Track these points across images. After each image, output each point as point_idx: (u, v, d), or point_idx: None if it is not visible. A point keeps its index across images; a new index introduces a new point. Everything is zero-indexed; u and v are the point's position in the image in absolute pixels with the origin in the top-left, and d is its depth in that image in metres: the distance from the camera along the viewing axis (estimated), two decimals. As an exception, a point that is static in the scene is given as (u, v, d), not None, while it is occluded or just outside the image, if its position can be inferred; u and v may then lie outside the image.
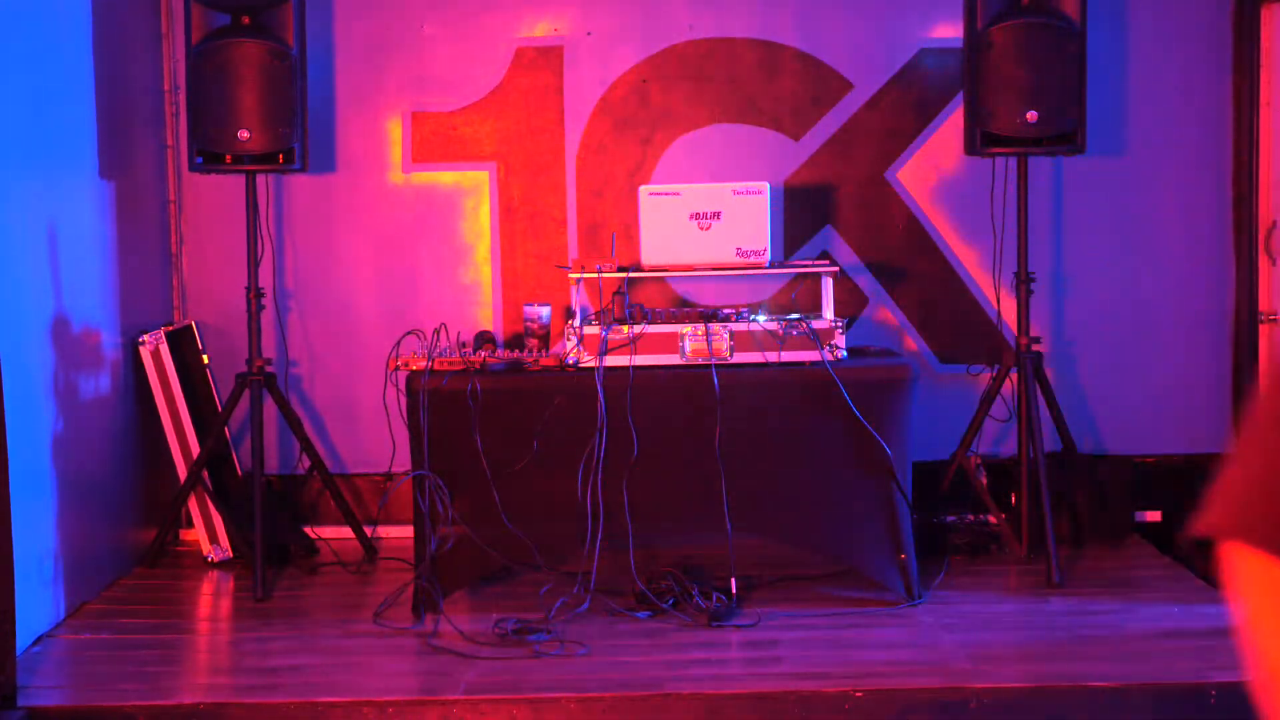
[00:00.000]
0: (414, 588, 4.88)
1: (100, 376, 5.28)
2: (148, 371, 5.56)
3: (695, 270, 5.02)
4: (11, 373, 4.27)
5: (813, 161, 5.91)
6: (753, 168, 5.85)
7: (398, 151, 5.95)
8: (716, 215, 4.95)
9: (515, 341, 5.86)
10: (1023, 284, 5.38)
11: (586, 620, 4.77)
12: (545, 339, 5.24)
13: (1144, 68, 5.86)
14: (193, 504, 5.59)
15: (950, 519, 5.59)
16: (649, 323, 4.92)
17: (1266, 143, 5.74)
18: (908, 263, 5.94)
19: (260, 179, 5.62)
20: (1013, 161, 5.47)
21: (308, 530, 5.80)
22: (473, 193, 5.96)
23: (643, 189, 4.99)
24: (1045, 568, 5.10)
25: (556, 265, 5.90)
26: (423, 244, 5.97)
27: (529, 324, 5.23)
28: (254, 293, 5.39)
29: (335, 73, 5.92)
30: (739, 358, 4.90)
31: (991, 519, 5.55)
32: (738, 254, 4.96)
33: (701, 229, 4.95)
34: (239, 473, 5.86)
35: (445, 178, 5.96)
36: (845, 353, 4.92)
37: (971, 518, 5.61)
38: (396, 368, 4.89)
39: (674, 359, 4.90)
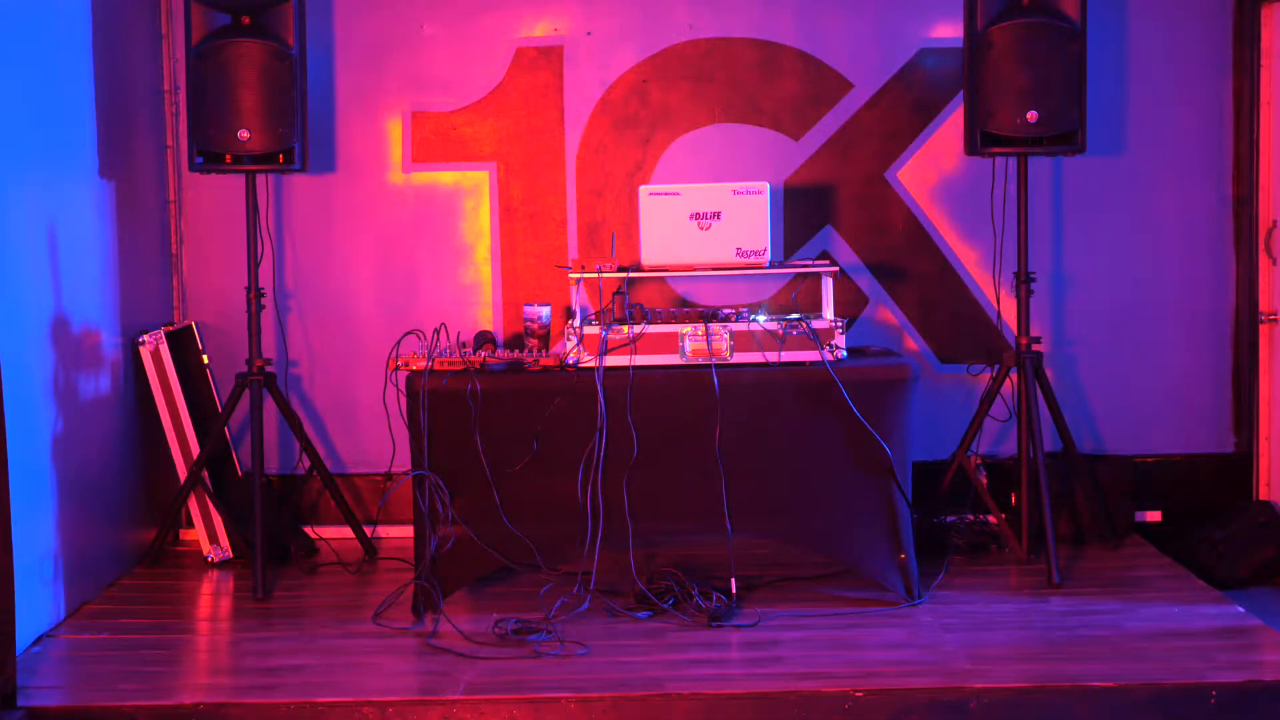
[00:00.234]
0: (414, 588, 4.88)
1: (100, 376, 5.28)
2: (148, 371, 5.56)
3: (695, 270, 5.03)
4: (11, 373, 4.27)
5: (813, 161, 5.91)
6: (753, 168, 5.85)
7: (398, 151, 5.96)
8: (716, 215, 4.95)
9: (515, 341, 5.86)
10: (1023, 284, 5.38)
11: (586, 620, 4.77)
12: (545, 339, 5.24)
13: (1144, 68, 5.86)
14: (193, 504, 5.60)
15: (950, 519, 5.59)
16: (649, 323, 4.93)
17: (1266, 143, 5.74)
18: (908, 263, 5.94)
19: (260, 179, 5.63)
20: (1013, 161, 5.48)
21: (308, 530, 5.81)
22: (473, 193, 5.97)
23: (643, 189, 4.99)
24: (1045, 568, 5.11)
25: (556, 265, 5.90)
26: (423, 244, 5.97)
27: (529, 324, 5.23)
28: (254, 293, 5.39)
29: (335, 73, 5.92)
30: (739, 358, 4.90)
31: (991, 519, 5.55)
32: (738, 254, 4.96)
33: (701, 229, 4.96)
34: (239, 473, 5.86)
35: (445, 178, 5.97)
36: (845, 353, 4.92)
37: (971, 518, 5.61)
38: (396, 368, 4.89)
39: (674, 359, 4.90)
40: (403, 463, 5.51)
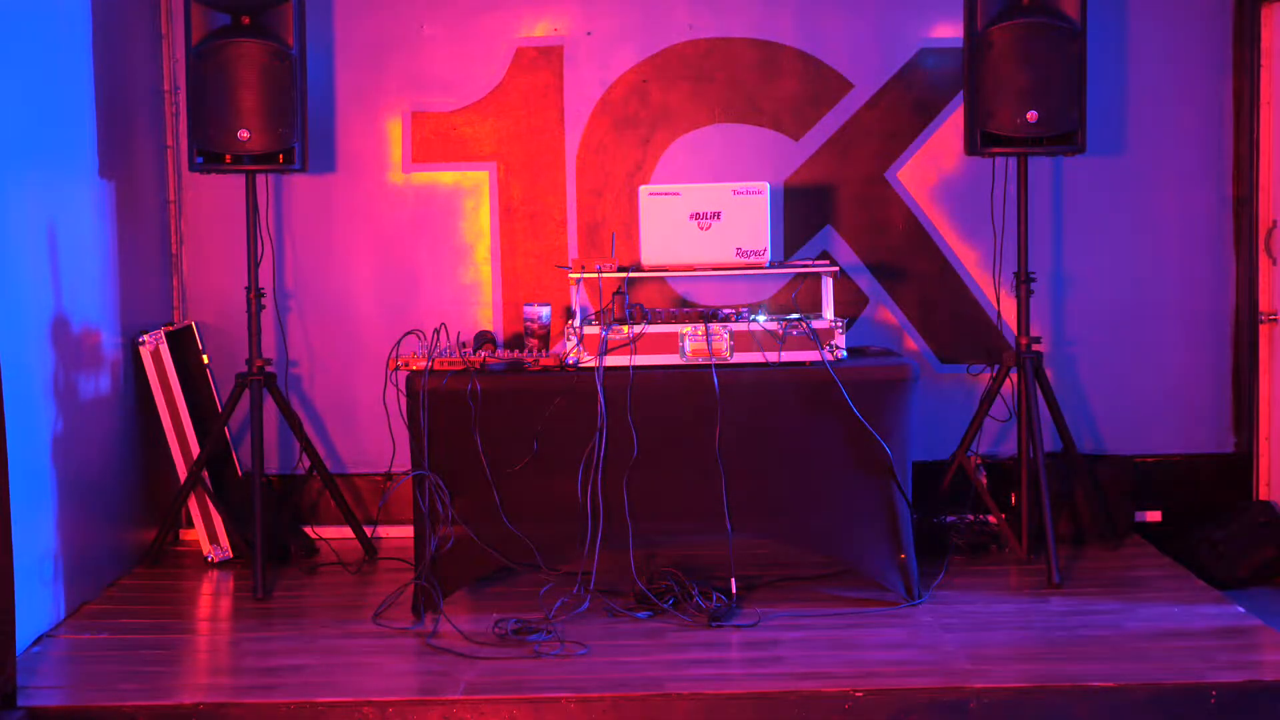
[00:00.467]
0: (414, 588, 4.88)
1: (100, 376, 5.28)
2: (148, 371, 5.56)
3: (695, 270, 5.03)
4: (11, 373, 4.27)
5: (813, 161, 5.91)
6: (753, 168, 5.85)
7: (398, 151, 5.96)
8: (716, 215, 4.95)
9: (515, 341, 5.86)
10: (1023, 284, 5.38)
11: (586, 620, 4.77)
12: (545, 339, 5.24)
13: (1144, 68, 5.86)
14: (193, 504, 5.60)
15: (950, 519, 5.59)
16: (649, 323, 4.93)
17: (1266, 143, 5.75)
18: (908, 263, 5.94)
19: (260, 179, 5.63)
20: (1013, 161, 5.48)
21: (308, 530, 5.81)
22: (473, 193, 5.97)
23: (643, 189, 4.99)
24: (1045, 568, 5.11)
25: (556, 265, 5.90)
26: (423, 244, 5.97)
27: (529, 324, 5.23)
28: (254, 293, 5.39)
29: (335, 73, 5.92)
30: (739, 358, 4.90)
31: (991, 519, 5.55)
32: (738, 254, 4.96)
33: (701, 229, 4.96)
34: (239, 473, 5.86)
35: (445, 178, 5.97)
36: (845, 353, 4.92)
37: (971, 518, 5.61)
38: (396, 368, 4.89)
39: (674, 359, 4.90)
40: (403, 463, 5.51)
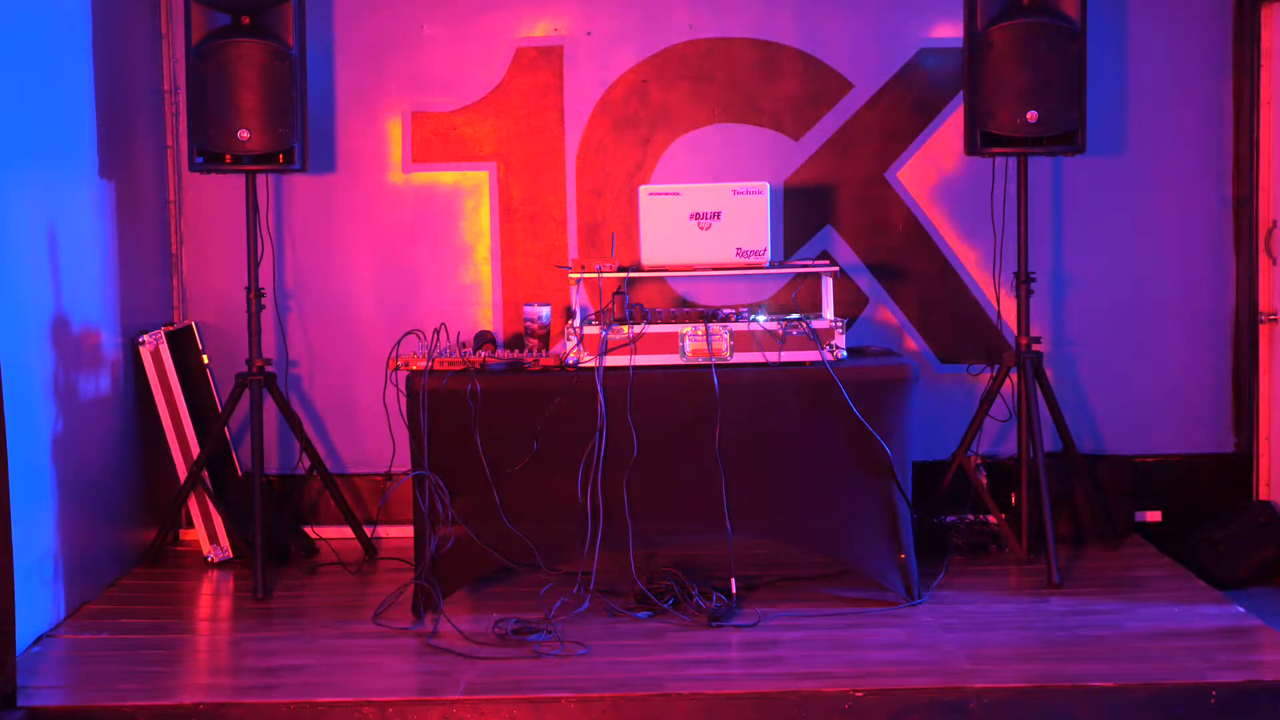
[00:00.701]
0: (414, 588, 4.88)
1: (100, 376, 5.28)
2: (148, 371, 5.56)
3: (695, 270, 5.03)
4: (11, 373, 4.27)
5: (813, 161, 5.91)
6: (753, 168, 5.85)
7: (398, 151, 5.96)
8: (716, 215, 4.95)
9: (515, 341, 5.86)
10: (1023, 284, 5.38)
11: (586, 620, 4.77)
12: (545, 339, 5.24)
13: (1144, 68, 5.86)
14: (193, 504, 5.60)
15: (950, 519, 5.59)
16: (649, 323, 4.93)
17: (1266, 143, 5.75)
18: (908, 263, 5.94)
19: (260, 179, 5.63)
20: (1013, 161, 5.48)
21: (308, 530, 5.81)
22: (473, 193, 5.97)
23: (643, 189, 4.99)
24: (1045, 568, 5.11)
25: (556, 265, 5.90)
26: (423, 244, 5.97)
27: (529, 324, 5.23)
28: (254, 293, 5.39)
29: (335, 73, 5.92)
30: (739, 358, 4.90)
31: (991, 519, 5.55)
32: (738, 254, 4.96)
33: (701, 229, 4.96)
34: (239, 473, 5.86)
35: (445, 178, 5.97)
36: (845, 353, 4.92)
37: (971, 518, 5.61)
38: (396, 368, 4.89)
39: (674, 359, 4.90)
40: (403, 463, 5.51)
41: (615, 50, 5.91)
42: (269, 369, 5.52)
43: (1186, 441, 5.97)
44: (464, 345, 5.09)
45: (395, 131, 5.95)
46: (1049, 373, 5.75)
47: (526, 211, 5.96)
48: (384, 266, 5.97)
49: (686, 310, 5.09)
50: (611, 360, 4.87)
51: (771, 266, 5.01)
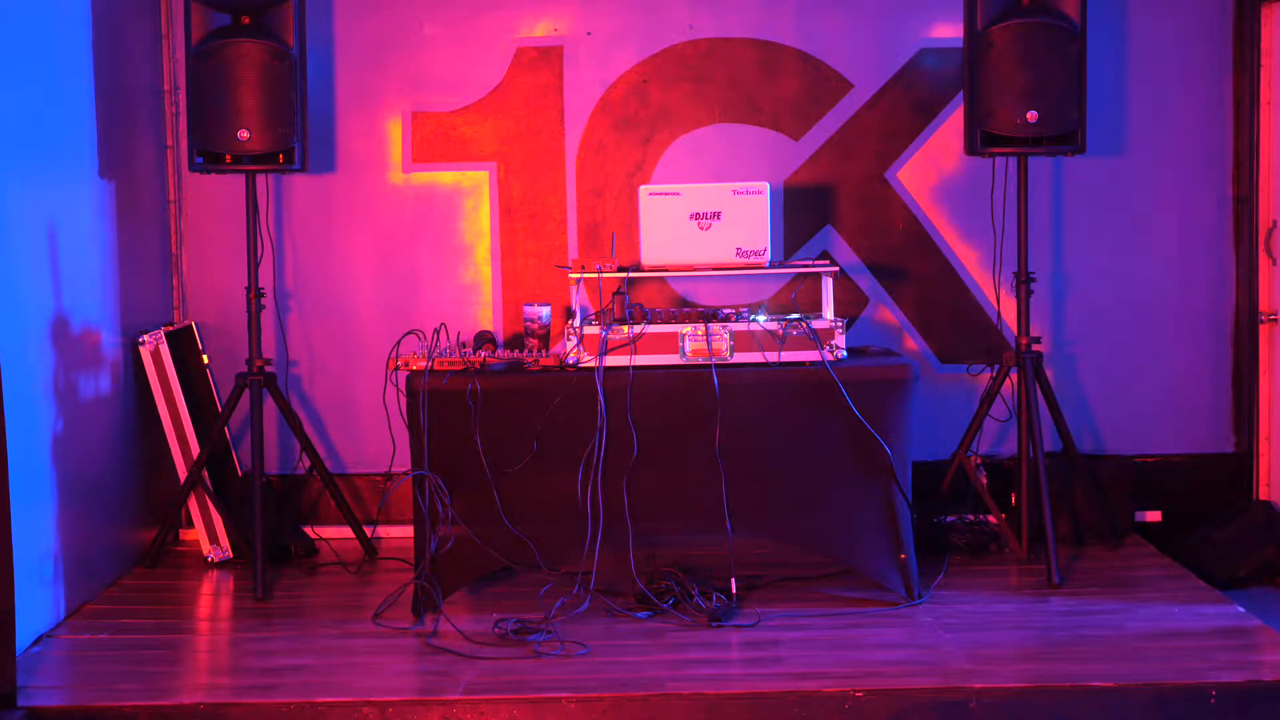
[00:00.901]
0: (414, 588, 4.88)
1: (100, 376, 5.28)
2: (148, 371, 5.56)
3: (695, 270, 5.03)
4: (11, 373, 4.27)
5: (813, 161, 5.91)
6: (753, 168, 5.85)
7: (398, 151, 5.96)
8: (716, 215, 4.95)
9: (515, 341, 5.86)
10: (1023, 284, 5.38)
11: (586, 620, 4.77)
12: (545, 339, 5.24)
13: (1144, 68, 5.86)
14: (193, 504, 5.60)
15: (950, 519, 5.59)
16: (649, 323, 4.93)
17: (1266, 143, 5.75)
18: (908, 263, 5.94)
19: (260, 179, 5.63)
20: (1013, 161, 5.48)
21: (308, 530, 5.81)
22: (473, 193, 5.97)
23: (643, 189, 4.99)
24: (1045, 568, 5.11)
25: (556, 265, 5.90)
26: (423, 244, 5.97)
27: (529, 324, 5.23)
28: (254, 293, 5.39)
29: (335, 73, 5.92)
30: (739, 358, 4.90)
31: (991, 519, 5.55)
32: (738, 254, 4.96)
33: (701, 229, 4.96)
34: (239, 473, 5.86)
35: (445, 178, 5.97)
36: (845, 353, 4.92)
37: (971, 518, 5.61)
38: (396, 368, 4.89)
39: (674, 359, 4.90)
40: (403, 463, 5.51)
41: (615, 50, 5.91)
42: (269, 369, 5.52)
43: (1186, 441, 5.97)
44: (464, 345, 5.09)
45: (395, 131, 5.95)
46: (1049, 373, 5.75)
47: (526, 211, 5.96)
48: (384, 266, 5.97)
49: (686, 310, 5.09)
50: (611, 360, 4.87)
51: (771, 266, 5.01)
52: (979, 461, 5.59)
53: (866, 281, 5.94)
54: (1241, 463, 5.91)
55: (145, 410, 5.61)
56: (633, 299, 5.28)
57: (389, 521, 5.90)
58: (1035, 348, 5.39)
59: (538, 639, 4.58)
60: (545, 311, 5.25)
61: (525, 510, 4.87)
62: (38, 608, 4.70)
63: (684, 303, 5.93)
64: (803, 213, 5.92)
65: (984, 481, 5.52)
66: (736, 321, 4.93)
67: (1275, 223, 5.75)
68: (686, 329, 4.90)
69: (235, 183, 5.71)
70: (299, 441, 5.66)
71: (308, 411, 5.97)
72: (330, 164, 5.93)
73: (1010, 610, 4.87)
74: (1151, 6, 5.85)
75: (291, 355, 5.95)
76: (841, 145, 5.91)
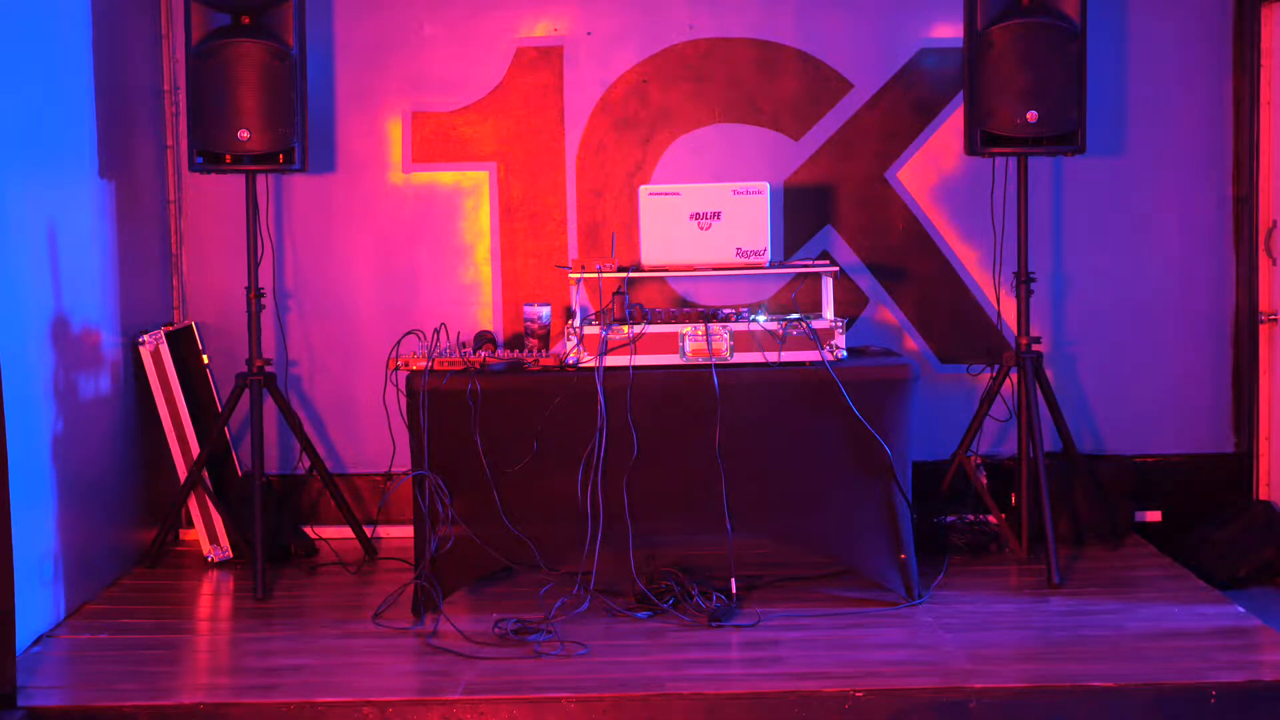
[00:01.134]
0: (414, 588, 4.88)
1: (100, 376, 5.28)
2: (148, 371, 5.56)
3: (695, 270, 5.03)
4: (11, 373, 4.27)
5: (813, 161, 5.91)
6: (753, 168, 5.85)
7: (398, 151, 5.96)
8: (716, 215, 4.95)
9: (515, 341, 5.86)
10: (1023, 284, 5.38)
11: (586, 620, 4.77)
12: (545, 339, 5.24)
13: (1144, 68, 5.86)
14: (193, 504, 5.60)
15: (950, 519, 5.59)
16: (649, 323, 4.93)
17: (1266, 143, 5.75)
18: (908, 263, 5.94)
19: (260, 179, 5.63)
20: (1013, 161, 5.48)
21: (308, 530, 5.81)
22: (473, 193, 5.97)
23: (643, 189, 4.99)
24: (1045, 568, 5.11)
25: (556, 265, 5.90)
26: (423, 244, 5.97)
27: (529, 324, 5.23)
28: (254, 293, 5.39)
29: (335, 73, 5.92)
30: (739, 358, 4.90)
31: (991, 519, 5.55)
32: (738, 254, 4.96)
33: (701, 229, 4.96)
34: (239, 473, 5.86)
35: (445, 178, 5.97)
36: (845, 353, 4.92)
37: (971, 518, 5.61)
38: (396, 368, 4.89)
39: (674, 359, 4.90)
40: (403, 463, 5.51)
41: (615, 50, 5.91)
42: (269, 369, 5.52)
43: (1186, 441, 5.97)
44: (464, 345, 5.09)
45: (395, 131, 5.95)
46: (1049, 373, 5.75)
47: (526, 211, 5.96)
48: (384, 266, 5.97)
49: (686, 310, 5.09)
50: (611, 360, 4.87)
51: (771, 266, 5.01)
52: (979, 461, 5.59)
53: (866, 281, 5.94)
54: (1241, 463, 5.91)
55: (145, 410, 5.61)
56: (633, 299, 5.28)
57: (389, 521, 5.90)
58: (1035, 348, 5.39)
59: (538, 639, 4.58)
60: (545, 311, 5.25)
61: (525, 510, 4.87)
62: (38, 608, 4.70)
63: (684, 303, 5.93)
64: (803, 213, 5.92)
65: (984, 481, 5.52)
66: (736, 321, 4.93)
67: (1275, 223, 5.75)
68: (686, 329, 4.90)
69: (235, 183, 5.71)
70: (299, 441, 5.66)
71: (308, 411, 5.97)
72: (330, 164, 5.93)
73: (1010, 610, 4.87)
74: (1151, 6, 5.85)
75: (291, 355, 5.95)
76: (841, 145, 5.91)
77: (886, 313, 5.95)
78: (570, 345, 4.88)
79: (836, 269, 5.04)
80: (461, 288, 5.98)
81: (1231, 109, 5.86)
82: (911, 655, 4.45)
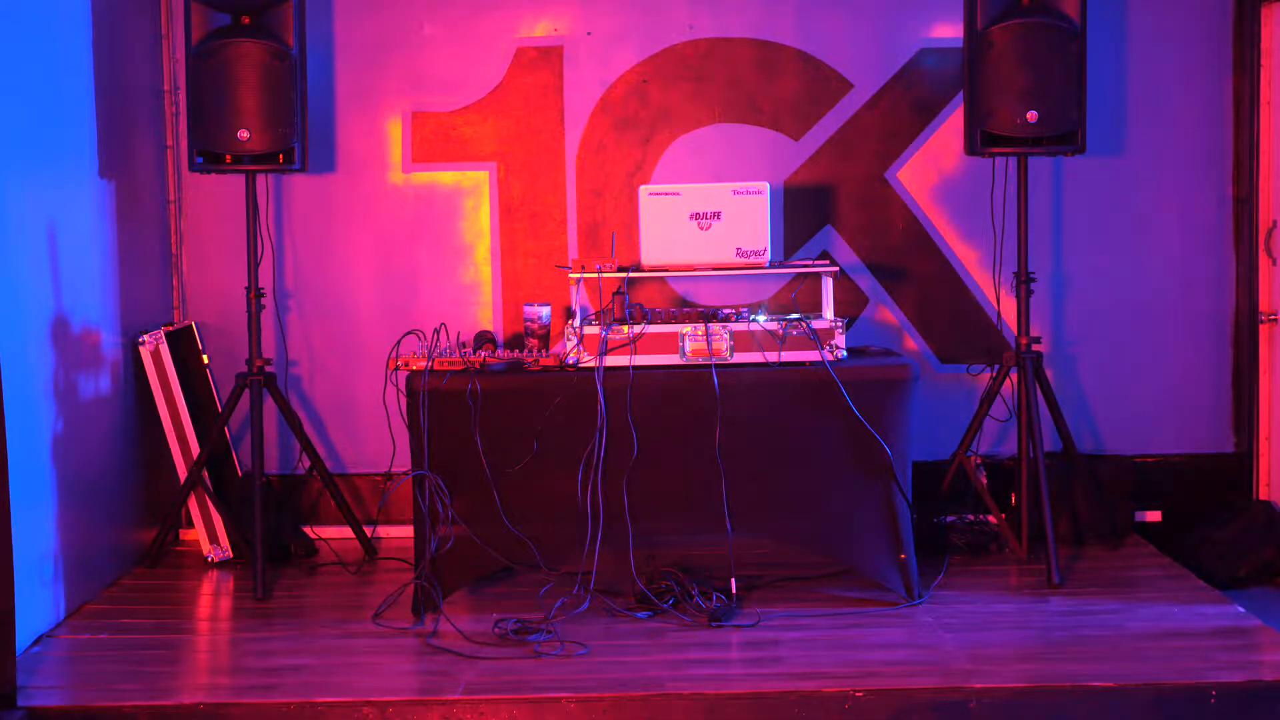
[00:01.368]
0: (414, 588, 4.88)
1: (100, 376, 5.28)
2: (148, 371, 5.56)
3: (695, 270, 5.03)
4: (11, 373, 4.27)
5: (813, 161, 5.91)
6: (753, 168, 5.85)
7: (398, 151, 5.96)
8: (716, 215, 4.95)
9: (515, 341, 5.86)
10: (1023, 284, 5.38)
11: (586, 620, 4.77)
12: (545, 339, 5.24)
13: (1144, 68, 5.86)
14: (193, 504, 5.60)
15: (950, 519, 5.59)
16: (649, 323, 4.93)
17: (1266, 143, 5.75)
18: (908, 263, 5.94)
19: (260, 179, 5.63)
20: (1013, 161, 5.48)
21: (308, 530, 5.81)
22: (473, 193, 5.97)
23: (643, 189, 4.99)
24: (1045, 568, 5.11)
25: (556, 265, 5.90)
26: (423, 244, 5.97)
27: (529, 324, 5.23)
28: (254, 293, 5.39)
29: (335, 73, 5.92)
30: (739, 358, 4.90)
31: (991, 519, 5.55)
32: (738, 254, 4.96)
33: (701, 229, 4.96)
34: (239, 473, 5.86)
35: (445, 178, 5.97)
36: (845, 353, 4.92)
37: (971, 518, 5.61)
38: (396, 368, 4.89)
39: (674, 359, 4.90)
40: (403, 463, 5.51)
41: (615, 50, 5.91)
42: (269, 369, 5.52)
43: (1186, 441, 5.97)
44: (464, 345, 5.09)
45: (395, 131, 5.95)
46: (1049, 373, 5.75)
47: (526, 211, 5.96)
48: (384, 266, 5.97)
49: (686, 310, 5.09)
50: (611, 360, 4.87)
51: (771, 266, 5.01)
52: (979, 461, 5.59)
53: (866, 281, 5.94)
54: (1241, 463, 5.91)
55: (145, 410, 5.61)
56: (633, 299, 5.28)
57: (389, 521, 5.90)
58: (1035, 348, 5.39)
59: (538, 639, 4.58)
60: (545, 311, 5.25)
61: (525, 510, 4.87)
62: (38, 608, 4.70)
63: (684, 303, 5.93)
64: (803, 213, 5.92)
65: (984, 481, 5.52)
66: (736, 321, 4.93)
67: (1275, 223, 5.75)
68: (686, 329, 4.90)
69: (235, 183, 5.71)
70: (299, 441, 5.66)
71: (308, 411, 5.97)
72: (330, 164, 5.93)
73: (1010, 610, 4.87)
74: (1151, 6, 5.85)
75: (291, 355, 5.95)
76: (841, 145, 5.91)
77: (886, 313, 5.95)
78: (570, 345, 4.88)
79: (836, 269, 5.04)
80: (461, 288, 5.98)
81: (1231, 109, 5.86)
82: (911, 655, 4.45)
